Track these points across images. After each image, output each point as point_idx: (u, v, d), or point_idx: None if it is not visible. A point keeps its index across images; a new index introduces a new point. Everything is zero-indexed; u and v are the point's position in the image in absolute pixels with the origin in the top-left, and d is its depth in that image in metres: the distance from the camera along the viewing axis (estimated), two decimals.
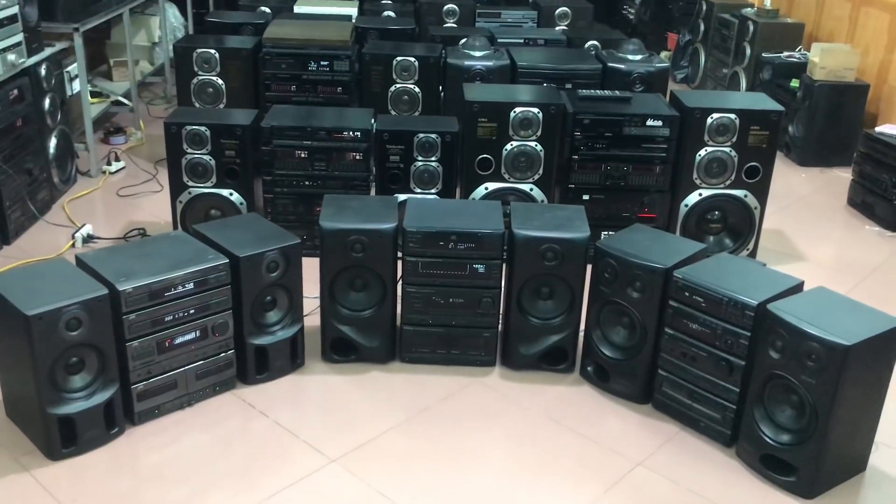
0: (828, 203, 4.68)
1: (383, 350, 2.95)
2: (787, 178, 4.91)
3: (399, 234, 2.82)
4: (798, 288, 2.57)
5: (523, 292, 2.87)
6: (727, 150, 3.63)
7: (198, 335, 2.64)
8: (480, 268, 2.85)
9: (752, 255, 3.79)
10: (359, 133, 3.61)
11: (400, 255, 2.85)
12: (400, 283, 2.88)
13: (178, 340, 2.60)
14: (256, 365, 2.80)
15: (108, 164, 4.60)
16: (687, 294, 2.58)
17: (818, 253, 4.05)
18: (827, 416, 2.28)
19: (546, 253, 2.80)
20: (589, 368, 2.90)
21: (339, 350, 2.95)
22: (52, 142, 4.14)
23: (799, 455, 2.36)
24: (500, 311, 2.93)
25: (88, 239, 3.78)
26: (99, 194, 4.36)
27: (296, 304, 2.84)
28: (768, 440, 2.42)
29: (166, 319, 2.55)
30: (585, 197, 3.71)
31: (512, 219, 2.90)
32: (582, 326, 2.90)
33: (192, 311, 2.60)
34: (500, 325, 2.96)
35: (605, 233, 3.74)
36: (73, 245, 3.72)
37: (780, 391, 2.41)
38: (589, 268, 2.83)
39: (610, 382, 2.84)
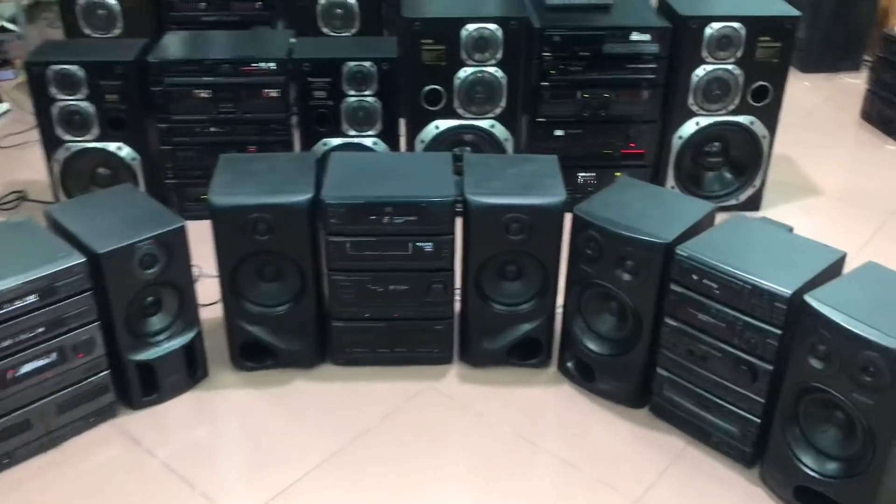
0: (839, 118, 4.03)
1: (308, 352, 2.32)
2: (789, 88, 4.22)
3: (317, 207, 2.16)
4: (839, 264, 1.96)
5: (484, 273, 2.24)
6: (730, 67, 2.94)
7: (54, 359, 2.00)
8: (427, 245, 2.20)
9: (759, 192, 3.15)
10: (273, 64, 2.88)
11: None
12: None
13: (25, 370, 1.96)
14: (142, 385, 2.17)
15: None
16: (695, 277, 1.96)
17: (835, 183, 3.43)
18: (888, 444, 1.71)
19: (510, 224, 2.15)
20: (569, 364, 2.30)
21: (252, 355, 2.32)
22: None
23: (848, 491, 1.80)
24: (456, 298, 2.30)
25: None
26: None
27: (187, 302, 2.19)
28: (806, 469, 1.85)
29: (2, 346, 1.91)
30: (559, 132, 3.04)
31: (465, 179, 2.24)
32: (559, 311, 2.29)
33: (40, 331, 1.95)
34: (456, 315, 2.34)
35: (582, 175, 3.10)
36: None
37: (820, 407, 1.83)
38: (567, 237, 2.19)
39: (596, 382, 2.25)
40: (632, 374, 2.18)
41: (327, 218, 2.15)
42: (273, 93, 2.91)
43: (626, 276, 2.08)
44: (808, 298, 1.77)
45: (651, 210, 2.13)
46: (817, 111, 4.09)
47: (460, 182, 2.22)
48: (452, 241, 2.22)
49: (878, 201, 3.27)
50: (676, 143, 3.05)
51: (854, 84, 4.29)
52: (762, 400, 1.93)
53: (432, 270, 2.23)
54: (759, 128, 3.03)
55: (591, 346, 2.22)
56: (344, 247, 2.18)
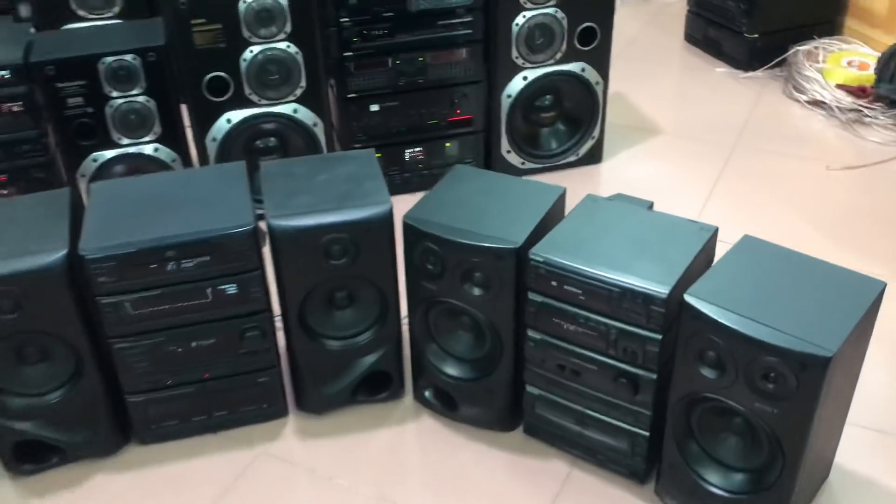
0: (663, 43, 3.84)
1: (103, 438, 1.85)
2: None
3: (77, 264, 1.67)
4: (712, 242, 1.70)
5: (307, 307, 1.84)
6: (551, 11, 2.62)
7: None
8: (230, 288, 1.77)
9: (600, 143, 2.90)
10: (6, 72, 2.29)
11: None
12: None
13: None
14: None
15: None
16: (555, 284, 1.65)
17: (672, 118, 3.23)
18: (798, 451, 1.48)
19: (330, 247, 1.76)
20: (427, 393, 1.97)
21: (30, 455, 1.83)
22: None
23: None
24: (279, 341, 1.90)
25: None
26: None
27: None
28: (710, 487, 1.61)
29: None
30: (374, 107, 2.64)
31: (265, 197, 1.81)
32: (406, 334, 1.94)
33: None
34: (283, 360, 1.93)
35: (409, 151, 2.73)
36: None
37: (716, 414, 1.58)
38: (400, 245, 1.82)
39: (459, 410, 1.93)
40: (498, 396, 1.87)
41: (94, 277, 1.67)
42: (15, 107, 2.33)
43: (477, 291, 1.74)
44: (688, 298, 1.50)
45: (493, 206, 1.79)
46: (640, 38, 3.89)
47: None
48: (262, 275, 1.79)
49: (718, 132, 3.10)
50: (505, 102, 2.72)
51: (672, 5, 4.12)
52: (648, 412, 1.67)
53: (243, 316, 1.81)
54: (590, 74, 2.75)
55: (449, 370, 1.89)
56: (123, 308, 1.72)
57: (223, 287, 1.76)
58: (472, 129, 2.77)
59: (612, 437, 1.75)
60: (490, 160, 2.84)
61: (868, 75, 3.16)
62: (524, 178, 1.92)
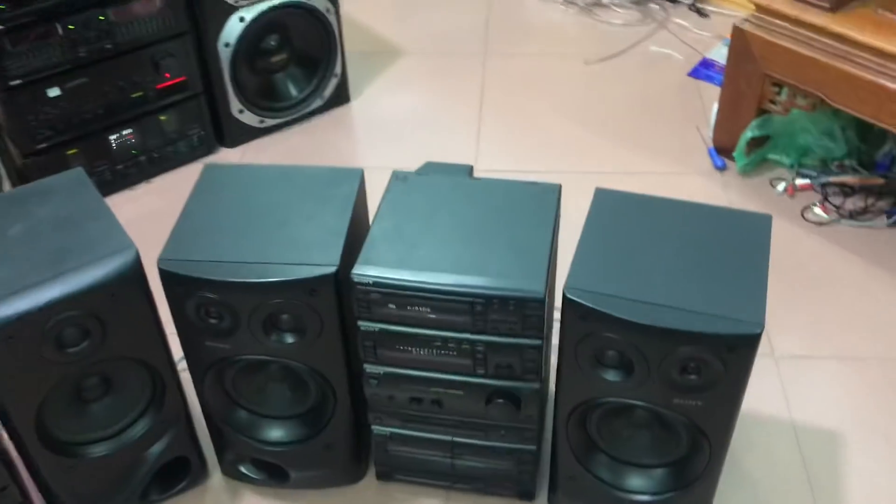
0: None
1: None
2: None
3: None
4: (555, 199, 1.37)
5: (47, 411, 1.28)
6: None
7: None
8: None
9: (344, 80, 2.45)
10: None
11: None
12: None
13: None
14: None
15: None
16: (392, 307, 1.25)
17: (409, 35, 2.83)
18: (725, 436, 1.25)
19: (61, 333, 1.20)
20: (242, 468, 1.50)
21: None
22: None
23: (688, 500, 1.35)
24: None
25: None
26: None
27: None
28: (632, 496, 1.35)
29: None
30: (54, 92, 1.98)
31: None
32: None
33: None
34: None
35: (115, 137, 2.13)
36: None
37: (614, 416, 1.31)
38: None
39: (291, 479, 1.49)
40: (340, 449, 1.46)
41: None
42: None
43: (290, 338, 1.29)
44: (571, 295, 1.17)
45: (277, 216, 1.32)
46: None
47: None
48: None
49: (462, 43, 2.78)
50: (224, 52, 2.18)
51: None
52: (533, 427, 1.36)
53: None
54: (319, 2, 2.27)
55: (270, 435, 1.44)
56: None
57: None
58: (190, 93, 2.20)
59: (492, 460, 1.42)
60: (220, 126, 2.31)
61: None
62: (304, 165, 1.45)
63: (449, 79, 2.62)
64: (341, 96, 2.47)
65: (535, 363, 1.26)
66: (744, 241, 1.25)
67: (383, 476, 1.51)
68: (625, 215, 1.31)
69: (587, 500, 1.39)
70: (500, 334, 1.25)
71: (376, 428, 1.43)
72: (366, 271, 1.23)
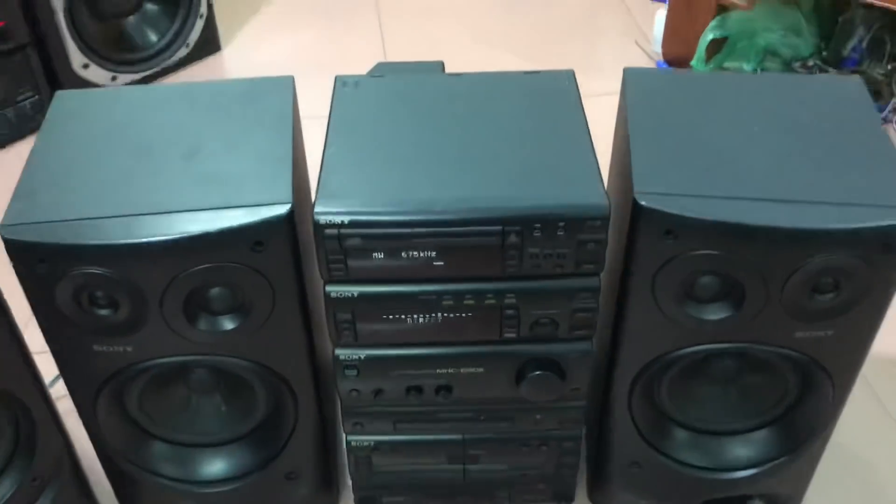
0: None
1: None
2: None
3: None
4: (574, 88, 1.00)
5: None
6: None
7: None
8: None
9: (211, 22, 1.98)
10: None
11: None
12: None
13: None
14: None
15: None
16: (379, 257, 0.83)
17: None
18: (852, 371, 0.92)
19: None
20: None
21: None
22: None
23: (791, 470, 1.01)
24: None
25: None
26: None
27: None
28: (726, 476, 1.00)
29: None
30: None
31: None
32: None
33: None
34: None
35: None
36: None
37: (693, 375, 0.95)
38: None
39: None
40: (306, 477, 1.03)
41: None
42: None
43: (229, 323, 0.85)
44: (646, 202, 0.80)
45: (178, 146, 0.88)
46: None
47: None
48: None
49: None
50: (59, 5, 1.67)
51: None
52: (581, 404, 0.98)
53: None
54: None
55: (203, 472, 0.99)
56: None
57: None
58: (14, 45, 1.68)
59: (521, 458, 1.04)
60: (61, 87, 1.79)
61: None
62: (207, 81, 1.00)
63: (338, 11, 2.20)
64: (210, 41, 2.00)
65: (590, 313, 0.89)
66: (843, 111, 0.92)
67: (365, 502, 1.10)
68: (675, 97, 0.95)
69: (655, 492, 1.04)
70: (541, 276, 0.86)
71: (354, 439, 1.02)
72: (333, 207, 0.82)
